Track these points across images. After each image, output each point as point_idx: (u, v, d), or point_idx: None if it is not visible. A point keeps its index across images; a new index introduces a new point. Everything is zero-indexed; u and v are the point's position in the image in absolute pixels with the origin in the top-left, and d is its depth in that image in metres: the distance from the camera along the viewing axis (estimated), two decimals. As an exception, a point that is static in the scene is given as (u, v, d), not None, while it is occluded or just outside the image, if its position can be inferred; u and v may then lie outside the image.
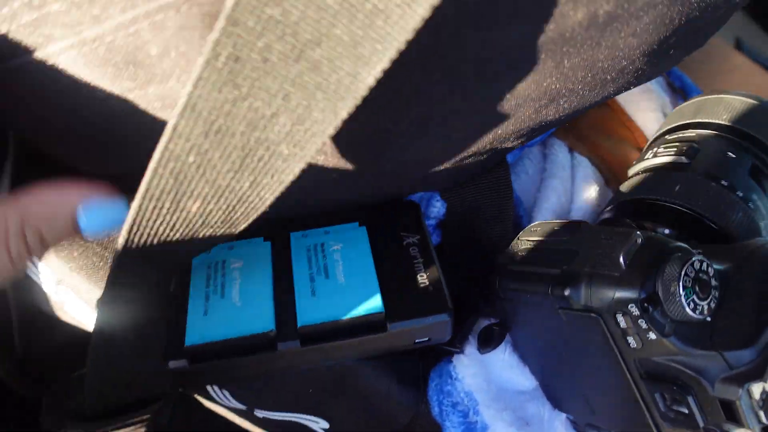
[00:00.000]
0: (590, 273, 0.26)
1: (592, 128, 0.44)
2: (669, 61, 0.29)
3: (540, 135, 0.33)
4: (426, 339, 0.28)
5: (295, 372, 0.30)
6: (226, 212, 0.21)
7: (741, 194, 0.32)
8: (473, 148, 0.28)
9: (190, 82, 0.17)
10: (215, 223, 0.22)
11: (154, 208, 0.20)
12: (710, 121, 0.36)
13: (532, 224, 0.32)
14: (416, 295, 0.28)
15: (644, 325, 0.25)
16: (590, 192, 0.38)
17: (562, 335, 0.29)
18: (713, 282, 0.24)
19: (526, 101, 0.24)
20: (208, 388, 0.34)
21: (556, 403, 0.34)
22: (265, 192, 0.21)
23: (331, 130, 0.19)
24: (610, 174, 0.41)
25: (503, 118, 0.25)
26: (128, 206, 0.21)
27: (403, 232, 0.31)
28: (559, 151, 0.40)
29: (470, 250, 0.33)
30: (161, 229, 0.21)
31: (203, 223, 0.21)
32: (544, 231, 0.31)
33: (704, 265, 0.24)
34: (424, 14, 0.16)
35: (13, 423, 0.45)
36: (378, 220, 0.31)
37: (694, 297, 0.24)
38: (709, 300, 0.24)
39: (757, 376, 0.23)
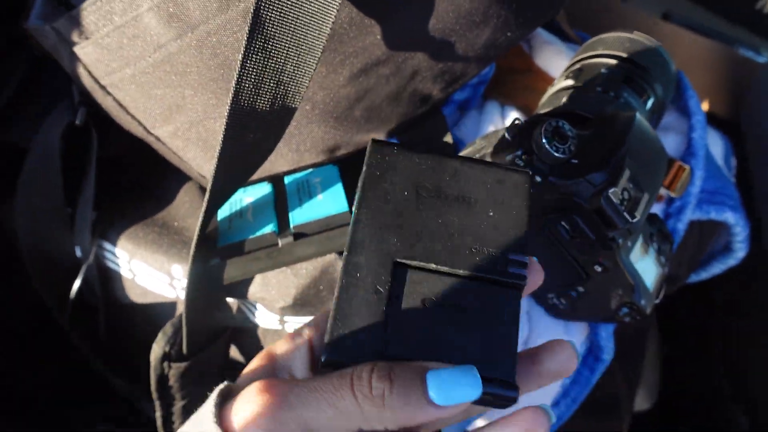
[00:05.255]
0: (491, 151, 0.37)
1: (518, 88, 0.56)
2: (528, 11, 0.41)
3: (457, 84, 0.45)
4: None
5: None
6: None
7: (612, 94, 0.43)
8: (404, 88, 0.40)
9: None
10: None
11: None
12: (591, 53, 0.47)
13: (465, 146, 0.44)
14: None
15: (530, 172, 0.35)
16: (517, 127, 0.50)
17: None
18: (570, 133, 0.35)
19: (425, 40, 0.37)
20: (246, 311, 0.45)
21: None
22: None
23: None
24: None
25: (413, 52, 0.38)
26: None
27: None
28: (491, 106, 0.52)
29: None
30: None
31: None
32: (468, 146, 0.42)
33: (560, 123, 0.35)
34: None
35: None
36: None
37: (555, 143, 0.35)
38: (568, 144, 0.35)
39: (611, 185, 0.34)
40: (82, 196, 0.48)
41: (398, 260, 0.25)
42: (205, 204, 0.34)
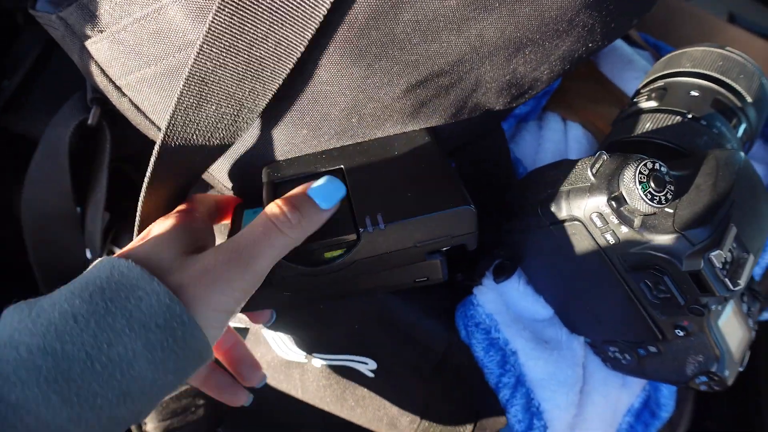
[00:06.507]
0: (568, 190, 0.32)
1: (581, 98, 0.49)
2: (616, 18, 0.35)
3: (522, 98, 0.39)
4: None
5: (343, 311, 0.36)
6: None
7: (704, 122, 0.37)
8: (466, 104, 0.35)
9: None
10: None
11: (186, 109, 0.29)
12: (676, 70, 0.41)
13: (526, 173, 0.38)
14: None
15: (615, 221, 0.30)
16: (581, 149, 0.44)
17: (560, 252, 0.34)
18: (667, 178, 0.30)
19: (497, 50, 0.31)
20: (271, 341, 0.40)
21: (572, 328, 0.39)
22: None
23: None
24: (600, 133, 0.46)
25: (481, 62, 0.32)
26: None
27: None
28: (552, 120, 0.46)
29: (480, 201, 0.39)
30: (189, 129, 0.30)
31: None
32: (534, 174, 0.37)
33: (657, 165, 0.30)
34: None
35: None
36: None
37: (651, 190, 0.29)
38: (665, 192, 0.29)
39: (714, 246, 0.28)
40: (93, 197, 0.44)
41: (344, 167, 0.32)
42: (149, 170, 0.30)
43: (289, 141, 0.34)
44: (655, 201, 0.29)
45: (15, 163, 0.49)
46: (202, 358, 0.25)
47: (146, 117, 0.34)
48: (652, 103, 0.39)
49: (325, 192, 0.29)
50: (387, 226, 0.29)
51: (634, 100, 0.41)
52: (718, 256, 0.28)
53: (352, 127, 0.34)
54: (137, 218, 0.32)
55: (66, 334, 0.22)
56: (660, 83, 0.41)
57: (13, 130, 0.50)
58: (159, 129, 0.35)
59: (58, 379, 0.22)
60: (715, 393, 0.37)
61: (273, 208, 0.28)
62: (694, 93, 0.38)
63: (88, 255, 0.47)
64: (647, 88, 0.42)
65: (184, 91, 0.28)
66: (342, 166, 0.33)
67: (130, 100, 0.33)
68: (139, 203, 0.31)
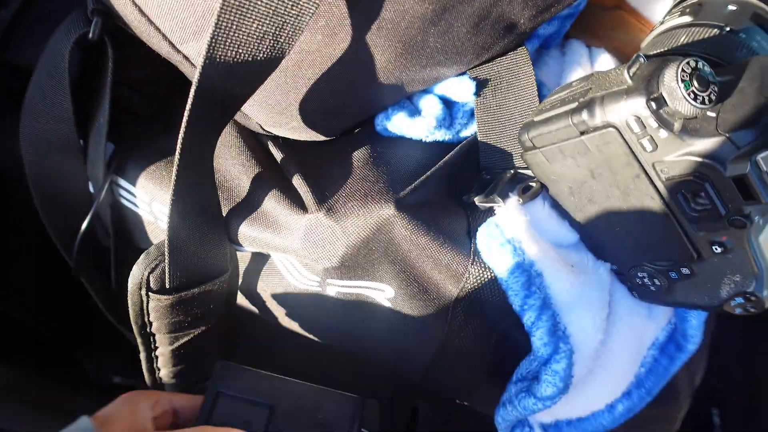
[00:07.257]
0: (602, 95, 0.30)
1: (606, 27, 0.47)
2: None
3: (548, 12, 0.37)
4: None
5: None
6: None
7: (743, 35, 0.35)
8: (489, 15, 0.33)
9: None
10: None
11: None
12: (710, -14, 0.39)
13: (553, 90, 0.36)
14: None
15: (654, 125, 0.28)
16: (608, 72, 0.42)
17: (590, 166, 0.32)
18: (711, 78, 0.28)
19: None
20: (282, 268, 0.39)
21: (598, 254, 0.38)
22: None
23: None
24: (626, 59, 0.44)
25: None
26: None
27: None
28: (577, 46, 0.44)
29: (502, 119, 0.37)
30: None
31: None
32: (562, 89, 0.35)
33: (700, 63, 0.28)
34: None
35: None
36: None
37: (694, 89, 0.27)
38: (708, 92, 0.27)
39: (762, 147, 0.26)
40: (96, 124, 0.42)
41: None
42: (190, 100, 0.29)
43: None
44: (698, 101, 0.27)
45: (13, 98, 0.47)
46: None
47: (151, 23, 0.32)
48: (686, 18, 0.37)
49: None
50: None
51: (666, 18, 0.39)
52: (766, 159, 0.26)
53: (371, 35, 0.32)
54: (178, 150, 0.31)
55: None
56: (693, 0, 0.39)
57: (12, 61, 0.48)
58: (165, 38, 0.33)
59: None
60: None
61: None
62: (731, 7, 0.36)
63: (91, 189, 0.45)
64: (680, 6, 0.39)
65: (224, 7, 0.27)
66: (272, 406, 0.33)
67: (134, 2, 0.31)
68: (180, 134, 0.30)
